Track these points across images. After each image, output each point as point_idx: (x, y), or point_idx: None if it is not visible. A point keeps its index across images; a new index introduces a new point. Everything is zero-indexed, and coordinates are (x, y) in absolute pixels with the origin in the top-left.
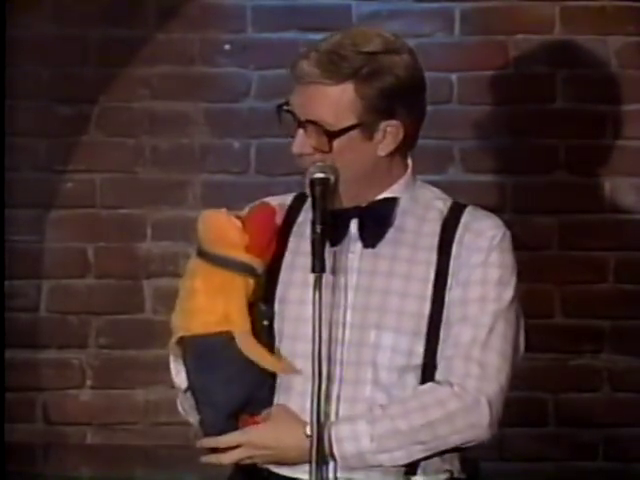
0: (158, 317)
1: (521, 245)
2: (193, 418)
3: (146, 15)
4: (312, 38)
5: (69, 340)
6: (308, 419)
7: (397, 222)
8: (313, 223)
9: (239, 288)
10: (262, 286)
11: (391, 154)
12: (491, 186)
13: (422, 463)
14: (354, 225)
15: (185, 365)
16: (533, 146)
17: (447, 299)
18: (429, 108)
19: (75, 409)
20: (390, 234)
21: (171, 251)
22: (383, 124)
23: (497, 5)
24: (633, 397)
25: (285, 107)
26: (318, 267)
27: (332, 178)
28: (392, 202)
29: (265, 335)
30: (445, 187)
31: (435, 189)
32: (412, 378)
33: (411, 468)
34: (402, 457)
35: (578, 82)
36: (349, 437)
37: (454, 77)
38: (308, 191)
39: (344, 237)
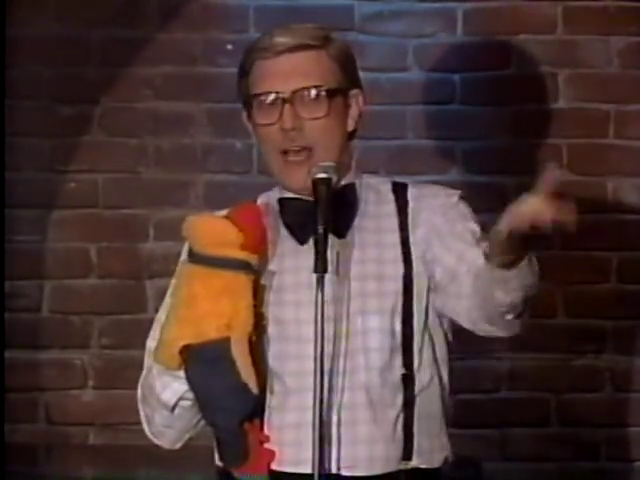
0: None
1: None
2: (164, 439)
3: (149, 15)
4: None
5: (71, 340)
6: (307, 416)
7: (358, 208)
8: (315, 223)
9: (245, 287)
10: (259, 281)
11: (349, 136)
12: (493, 186)
13: (415, 447)
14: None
15: (188, 375)
16: (535, 146)
17: (415, 268)
18: (432, 108)
19: (77, 409)
20: (354, 221)
21: (174, 251)
22: (351, 93)
23: (499, 5)
24: (635, 397)
25: (260, 91)
26: (320, 267)
27: (334, 178)
28: (351, 187)
29: (264, 337)
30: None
31: (375, 174)
32: (398, 359)
33: (406, 453)
34: None
35: (580, 82)
36: None
37: (456, 77)
38: (299, 180)
39: (310, 234)
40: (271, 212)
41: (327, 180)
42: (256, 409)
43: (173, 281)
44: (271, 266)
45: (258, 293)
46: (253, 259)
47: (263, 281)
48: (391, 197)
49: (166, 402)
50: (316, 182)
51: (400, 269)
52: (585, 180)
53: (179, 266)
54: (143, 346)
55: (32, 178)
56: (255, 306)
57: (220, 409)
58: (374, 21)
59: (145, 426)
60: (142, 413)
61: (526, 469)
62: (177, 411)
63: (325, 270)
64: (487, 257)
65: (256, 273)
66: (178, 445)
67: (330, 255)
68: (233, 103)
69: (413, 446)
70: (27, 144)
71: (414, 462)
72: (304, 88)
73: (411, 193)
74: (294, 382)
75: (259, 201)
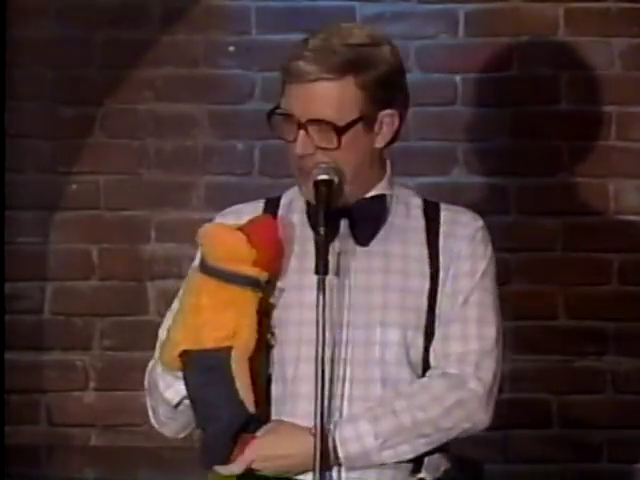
0: (162, 319)
1: (525, 247)
2: (167, 429)
3: (150, 17)
4: None
5: (73, 342)
6: (311, 422)
7: (386, 220)
8: (316, 225)
9: (250, 303)
10: (268, 298)
11: (381, 149)
12: (495, 188)
13: (425, 460)
14: (344, 224)
15: (186, 379)
16: (537, 148)
17: (439, 292)
18: (433, 109)
19: (79, 411)
20: (380, 232)
21: (175, 253)
22: (381, 114)
23: (501, 7)
24: (636, 399)
25: (280, 111)
26: (322, 269)
27: (336, 180)
28: (382, 199)
29: (269, 349)
30: (449, 189)
31: (408, 186)
32: (417, 374)
33: (416, 465)
34: (407, 452)
35: (582, 84)
36: (353, 437)
37: (458, 78)
38: (312, 193)
39: (335, 237)
40: (298, 210)
41: (328, 182)
42: (249, 424)
43: (184, 282)
44: (291, 267)
45: (266, 309)
46: (263, 276)
47: (284, 284)
48: (420, 213)
49: (169, 400)
50: (317, 184)
51: (426, 284)
52: (586, 182)
53: (190, 271)
54: (145, 347)
55: (34, 179)
56: (259, 324)
57: (212, 417)
58: (375, 22)
59: (150, 413)
60: (148, 402)
61: (527, 471)
62: (180, 408)
63: (326, 272)
64: None
65: (264, 290)
66: (181, 435)
67: (353, 261)
68: (235, 105)
69: (423, 461)
70: (29, 145)
71: (422, 475)
72: (315, 120)
73: (444, 216)
74: (304, 388)
75: (284, 198)
